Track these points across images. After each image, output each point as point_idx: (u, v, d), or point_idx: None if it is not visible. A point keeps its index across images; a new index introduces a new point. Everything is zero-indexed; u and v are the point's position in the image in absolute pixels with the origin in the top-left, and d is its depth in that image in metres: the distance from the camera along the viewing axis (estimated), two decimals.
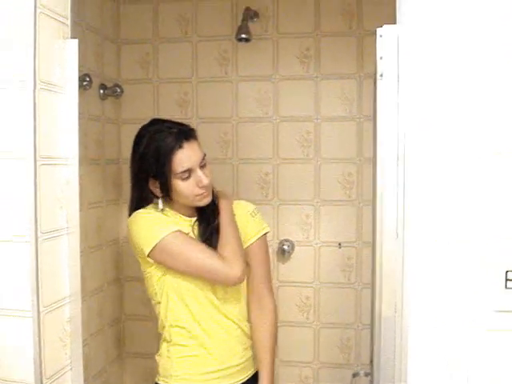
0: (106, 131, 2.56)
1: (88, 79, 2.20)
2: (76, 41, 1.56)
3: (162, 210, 1.70)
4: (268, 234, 2.57)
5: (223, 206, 1.71)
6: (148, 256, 1.64)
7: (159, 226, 1.65)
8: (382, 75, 1.46)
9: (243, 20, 2.41)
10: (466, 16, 1.29)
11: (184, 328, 1.69)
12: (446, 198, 1.33)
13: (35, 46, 1.41)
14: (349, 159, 2.56)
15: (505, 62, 1.27)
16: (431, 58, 1.36)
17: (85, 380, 2.33)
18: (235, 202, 1.80)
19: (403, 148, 1.44)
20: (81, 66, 2.28)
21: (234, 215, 1.73)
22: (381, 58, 1.47)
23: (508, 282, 1.30)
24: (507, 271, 1.30)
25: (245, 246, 1.72)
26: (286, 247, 2.60)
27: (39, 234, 1.44)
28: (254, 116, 2.63)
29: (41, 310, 1.45)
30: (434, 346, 1.33)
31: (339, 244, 2.59)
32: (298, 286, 2.64)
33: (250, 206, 1.82)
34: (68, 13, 1.58)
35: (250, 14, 2.51)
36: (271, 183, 2.63)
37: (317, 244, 2.61)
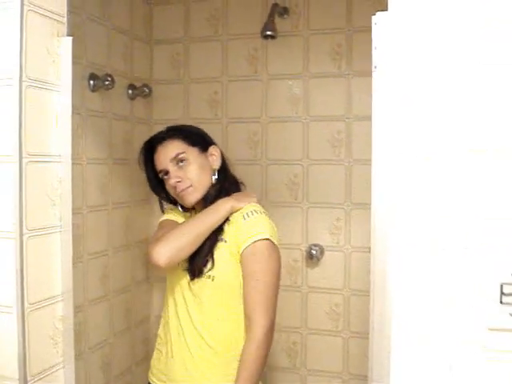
0: (135, 131, 2.56)
1: (110, 79, 2.20)
2: (70, 39, 1.55)
3: (184, 209, 1.74)
4: (296, 238, 2.57)
5: (216, 203, 1.64)
6: None
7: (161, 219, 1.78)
8: (376, 67, 1.36)
9: (269, 16, 2.34)
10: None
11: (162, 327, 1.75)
12: (439, 205, 1.20)
13: (21, 43, 1.41)
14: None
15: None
16: (429, 46, 1.24)
17: (106, 380, 2.37)
18: (247, 205, 1.65)
19: (400, 146, 1.33)
20: (103, 65, 2.34)
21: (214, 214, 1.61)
22: (375, 48, 1.37)
23: (503, 296, 1.15)
24: (502, 284, 1.15)
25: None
26: (314, 252, 2.50)
27: (25, 230, 1.44)
28: (283, 116, 2.55)
29: (26, 306, 1.45)
30: (421, 366, 1.20)
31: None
32: (327, 292, 2.54)
33: (249, 208, 1.62)
34: (64, 11, 1.57)
35: (280, 11, 2.44)
36: (301, 185, 2.54)
37: (347, 249, 2.50)
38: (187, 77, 2.67)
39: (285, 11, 2.47)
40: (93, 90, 2.23)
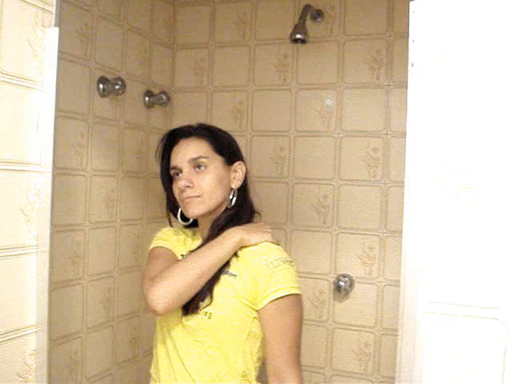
0: (151, 142, 2.35)
1: (120, 83, 2.00)
2: (57, 29, 1.35)
3: (183, 219, 1.52)
4: (323, 267, 2.30)
5: (223, 236, 1.40)
6: None
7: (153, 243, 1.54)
8: (413, 65, 1.10)
9: (300, 18, 2.10)
10: None
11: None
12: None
13: None
14: None
15: None
16: (479, 38, 0.98)
17: None
18: (261, 245, 1.39)
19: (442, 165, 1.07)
20: (117, 69, 2.14)
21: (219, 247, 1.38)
22: (413, 41, 1.11)
23: None
24: None
25: (257, 308, 1.36)
26: (342, 283, 2.22)
27: None
28: (314, 130, 2.29)
29: None
30: None
31: None
32: (356, 329, 2.25)
33: (273, 254, 1.37)
34: None
35: (313, 13, 2.20)
36: (330, 207, 2.27)
37: (380, 282, 2.21)
38: (210, 85, 2.45)
39: (318, 14, 2.23)
40: (102, 96, 2.03)
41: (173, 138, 1.50)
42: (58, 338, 1.86)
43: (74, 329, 1.95)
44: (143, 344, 2.36)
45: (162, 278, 1.31)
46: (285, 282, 1.33)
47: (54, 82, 1.34)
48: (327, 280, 2.27)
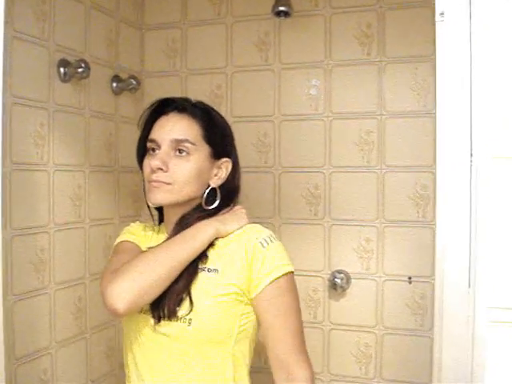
0: (121, 132, 2.13)
1: (83, 65, 1.76)
2: None
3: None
4: (316, 263, 2.11)
5: (196, 226, 1.22)
6: None
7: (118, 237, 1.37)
8: (442, 13, 0.90)
9: None
10: None
11: None
12: None
13: None
14: (423, 167, 1.96)
15: None
16: None
17: None
18: (248, 227, 1.26)
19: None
20: (79, 51, 1.86)
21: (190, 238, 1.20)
22: None
23: None
24: None
25: (252, 295, 1.19)
26: (338, 280, 2.02)
27: None
28: (300, 113, 2.09)
29: None
30: None
31: (409, 278, 1.98)
32: (354, 330, 2.06)
33: (262, 233, 1.24)
34: None
35: None
36: (322, 198, 2.07)
37: (380, 277, 2.02)
38: (185, 68, 2.23)
39: None
40: (64, 80, 1.80)
41: (163, 107, 1.29)
42: (23, 356, 1.63)
43: (41, 344, 1.72)
44: (120, 356, 2.13)
45: (122, 272, 1.12)
46: (281, 259, 1.21)
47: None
48: (321, 277, 2.08)
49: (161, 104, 1.30)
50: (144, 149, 1.29)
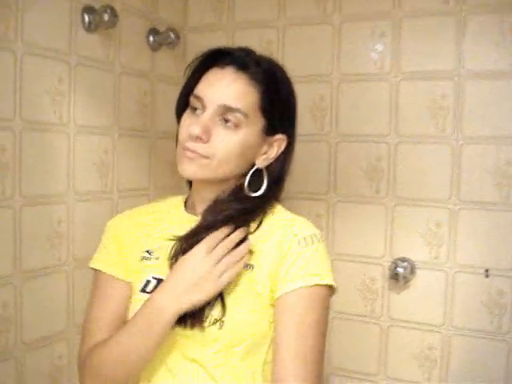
0: (158, 93, 1.89)
1: (109, 11, 1.53)
2: None
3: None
4: (376, 249, 1.82)
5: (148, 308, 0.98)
6: None
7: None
8: None
9: None
10: None
11: None
12: None
13: None
14: (508, 138, 1.63)
15: None
16: None
17: None
18: (293, 218, 1.05)
19: None
20: None
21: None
22: None
23: None
24: None
25: (276, 294, 0.98)
26: (401, 270, 1.73)
27: None
28: (362, 72, 1.80)
29: None
30: None
31: (486, 271, 1.66)
32: (417, 328, 1.76)
33: (304, 229, 1.02)
34: None
35: None
36: (385, 173, 1.78)
37: (450, 268, 1.71)
38: (231, 21, 1.96)
39: None
40: (89, 30, 1.57)
41: (218, 58, 1.04)
42: (33, 341, 1.45)
43: (56, 328, 1.53)
44: None
45: (99, 362, 0.98)
46: (317, 268, 0.98)
47: None
48: (381, 265, 1.78)
49: (216, 53, 1.04)
50: (186, 103, 1.05)
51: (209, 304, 0.95)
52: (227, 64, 1.01)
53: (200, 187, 1.08)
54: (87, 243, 1.61)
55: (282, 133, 1.05)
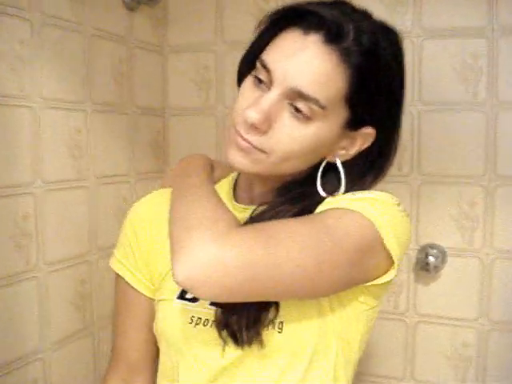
0: (136, 61, 1.61)
1: None
2: None
3: None
4: None
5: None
6: None
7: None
8: None
9: None
10: None
11: None
12: None
13: None
14: None
15: None
16: None
17: None
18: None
19: None
20: None
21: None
22: None
23: None
24: None
25: None
26: (431, 258, 1.50)
27: None
28: None
29: None
30: None
31: None
32: (449, 324, 1.54)
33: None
34: None
35: None
36: (408, 146, 1.54)
37: (487, 254, 1.49)
38: None
39: None
40: None
41: (302, 16, 0.76)
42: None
43: (28, 348, 1.25)
44: None
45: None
46: (346, 201, 0.79)
47: None
48: (407, 254, 1.55)
49: (297, 11, 0.77)
50: (250, 65, 0.82)
51: (266, 308, 0.78)
52: (314, 29, 0.75)
53: (248, 179, 0.90)
54: (61, 242, 1.33)
55: (372, 125, 0.81)
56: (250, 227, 0.73)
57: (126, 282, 0.96)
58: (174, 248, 0.70)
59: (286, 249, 0.69)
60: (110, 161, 1.51)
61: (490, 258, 1.48)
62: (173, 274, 0.68)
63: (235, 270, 0.66)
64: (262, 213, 0.82)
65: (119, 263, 0.98)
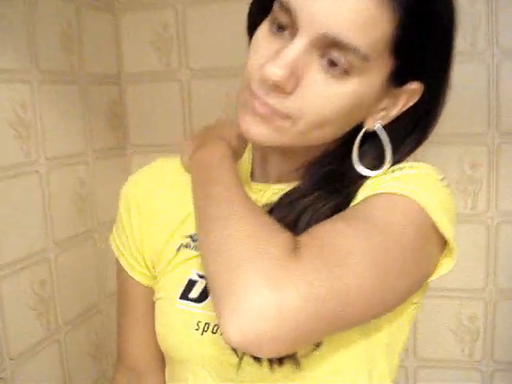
0: (86, 21, 1.38)
1: None
2: None
3: None
4: None
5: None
6: None
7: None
8: None
9: None
10: None
11: None
12: None
13: None
14: None
15: None
16: None
17: None
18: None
19: None
20: None
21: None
22: None
23: None
24: None
25: None
26: None
27: None
28: None
29: None
30: None
31: None
32: (454, 296, 1.43)
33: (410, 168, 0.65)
34: None
35: None
36: None
37: (492, 218, 1.37)
38: None
39: None
40: None
41: None
42: None
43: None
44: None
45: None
46: (393, 183, 0.63)
47: None
48: None
49: None
50: (266, 8, 0.63)
51: None
52: None
53: (273, 153, 0.72)
54: (10, 239, 1.12)
55: (419, 79, 0.63)
56: (304, 249, 0.53)
57: (124, 270, 0.80)
58: (217, 293, 0.52)
59: (354, 274, 0.54)
60: (63, 139, 1.29)
61: (495, 222, 1.36)
62: (222, 332, 0.50)
63: (304, 316, 0.50)
64: (291, 202, 0.65)
65: (116, 247, 0.82)
